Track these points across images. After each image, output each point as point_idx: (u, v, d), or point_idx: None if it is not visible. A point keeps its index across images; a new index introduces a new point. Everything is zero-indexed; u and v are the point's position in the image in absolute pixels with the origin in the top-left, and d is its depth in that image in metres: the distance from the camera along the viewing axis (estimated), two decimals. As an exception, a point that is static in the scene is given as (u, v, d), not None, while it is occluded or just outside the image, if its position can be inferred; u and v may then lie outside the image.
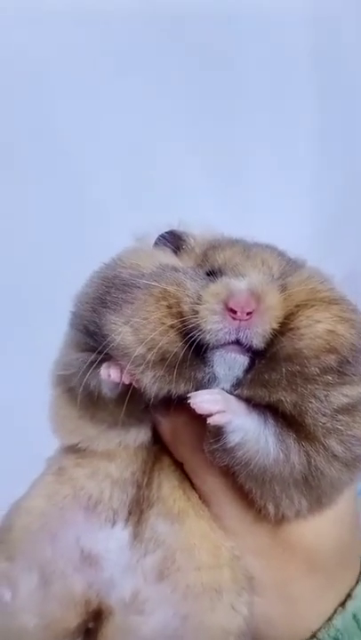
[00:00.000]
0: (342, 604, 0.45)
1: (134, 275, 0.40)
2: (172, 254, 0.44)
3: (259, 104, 1.17)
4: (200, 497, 0.43)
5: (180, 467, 0.44)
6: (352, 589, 0.45)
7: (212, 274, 0.40)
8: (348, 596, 0.45)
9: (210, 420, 0.36)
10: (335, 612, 0.44)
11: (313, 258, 1.43)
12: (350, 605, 0.44)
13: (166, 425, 0.43)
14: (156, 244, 0.45)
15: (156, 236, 0.46)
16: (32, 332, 0.83)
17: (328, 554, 0.44)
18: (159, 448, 0.44)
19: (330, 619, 0.44)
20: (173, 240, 0.44)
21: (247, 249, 0.42)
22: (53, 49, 0.86)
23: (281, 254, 0.43)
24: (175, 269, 0.40)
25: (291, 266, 0.43)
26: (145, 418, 0.42)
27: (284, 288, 0.38)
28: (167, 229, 0.46)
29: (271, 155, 1.23)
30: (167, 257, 0.43)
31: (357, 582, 0.46)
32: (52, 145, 0.88)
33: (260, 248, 0.43)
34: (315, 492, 0.40)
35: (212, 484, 0.42)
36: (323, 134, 1.28)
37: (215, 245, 0.43)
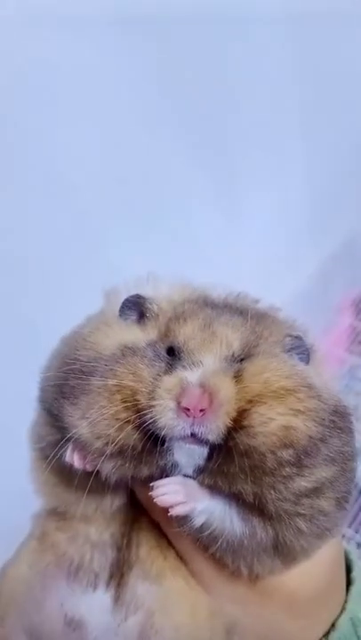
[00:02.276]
0: (326, 635, 0.45)
1: (93, 358, 0.38)
2: (136, 324, 0.42)
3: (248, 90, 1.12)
4: (177, 555, 0.43)
5: (157, 526, 0.44)
6: (336, 620, 0.45)
7: (172, 351, 0.38)
8: (332, 626, 0.45)
9: (172, 512, 0.36)
10: None
11: (310, 229, 1.37)
12: (333, 636, 0.44)
13: (140, 491, 0.42)
14: (121, 308, 0.43)
15: (124, 293, 0.44)
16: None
17: (308, 599, 0.44)
18: (137, 509, 0.44)
19: None
20: (138, 306, 0.42)
21: (208, 324, 0.39)
22: (53, 55, 0.82)
23: (246, 321, 0.40)
24: (134, 352, 0.38)
25: (256, 334, 0.40)
26: (119, 486, 0.41)
27: (239, 376, 0.36)
28: (134, 291, 0.43)
29: (263, 133, 1.20)
30: (129, 331, 0.41)
31: (341, 612, 0.45)
32: (44, 154, 0.85)
33: (225, 319, 0.40)
34: (287, 556, 0.39)
35: (186, 547, 0.42)
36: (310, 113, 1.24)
37: (178, 315, 0.40)
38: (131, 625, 0.41)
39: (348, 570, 0.48)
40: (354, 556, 0.49)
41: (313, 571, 0.43)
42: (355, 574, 0.48)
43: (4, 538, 0.47)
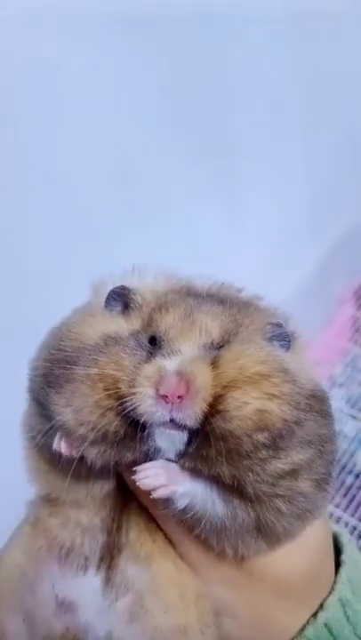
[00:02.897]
0: (314, 615, 0.45)
1: (76, 348, 0.40)
2: (120, 315, 0.43)
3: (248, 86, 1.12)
4: (165, 538, 0.44)
5: (145, 510, 0.44)
6: (324, 600, 0.46)
7: (154, 341, 0.39)
8: (321, 606, 0.46)
9: (154, 495, 0.37)
10: (308, 622, 0.45)
11: (310, 222, 1.37)
12: (321, 616, 0.45)
13: (127, 475, 0.43)
14: (107, 299, 0.44)
15: (110, 285, 0.45)
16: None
17: (296, 579, 0.44)
18: (126, 494, 0.45)
19: (302, 629, 0.45)
20: (123, 297, 0.43)
21: (189, 313, 0.40)
22: (53, 54, 0.83)
23: (226, 310, 0.41)
24: (116, 342, 0.39)
25: (236, 322, 0.41)
26: (106, 471, 0.42)
27: (216, 363, 0.37)
28: (120, 282, 0.44)
29: (263, 128, 1.19)
30: (113, 322, 0.42)
31: (329, 593, 0.46)
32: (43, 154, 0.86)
33: (206, 307, 0.41)
34: (270, 536, 0.40)
35: (173, 529, 0.43)
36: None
37: (160, 306, 0.41)
38: (121, 606, 0.42)
39: (338, 552, 0.49)
40: (345, 538, 0.50)
41: (299, 552, 0.44)
42: (344, 557, 0.48)
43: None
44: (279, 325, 0.42)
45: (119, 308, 0.43)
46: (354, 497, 1.29)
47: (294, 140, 1.32)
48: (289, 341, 0.42)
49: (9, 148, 0.85)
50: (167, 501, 0.38)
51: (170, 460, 0.38)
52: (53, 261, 0.89)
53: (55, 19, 0.82)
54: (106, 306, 0.44)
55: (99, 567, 0.44)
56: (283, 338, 0.42)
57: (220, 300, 0.43)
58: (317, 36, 1.26)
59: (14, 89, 0.81)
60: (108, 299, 0.44)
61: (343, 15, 1.33)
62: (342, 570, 0.47)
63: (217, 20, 1.02)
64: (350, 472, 1.33)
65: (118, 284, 0.44)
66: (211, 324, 0.40)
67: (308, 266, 1.41)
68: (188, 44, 1.01)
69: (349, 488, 1.31)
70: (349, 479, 1.32)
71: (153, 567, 0.43)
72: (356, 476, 1.33)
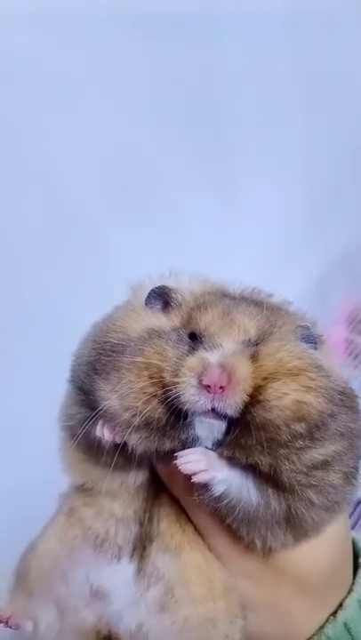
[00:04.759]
0: (334, 614, 0.46)
1: (122, 339, 0.41)
2: (161, 312, 0.44)
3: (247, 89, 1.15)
4: (195, 529, 0.45)
5: (176, 502, 0.45)
6: (343, 600, 0.46)
7: (194, 337, 0.41)
8: (340, 606, 0.46)
9: (194, 479, 0.37)
10: (327, 620, 0.46)
11: (306, 241, 1.38)
12: (341, 615, 0.45)
13: (162, 467, 0.44)
14: (148, 297, 0.45)
15: (149, 286, 0.46)
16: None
17: (318, 576, 0.45)
18: (158, 486, 0.45)
19: (322, 627, 0.45)
20: (163, 296, 0.45)
21: (227, 312, 0.41)
22: (50, 54, 0.84)
23: (261, 311, 0.43)
24: (160, 335, 0.41)
25: (271, 323, 0.42)
26: (142, 461, 0.43)
27: (255, 357, 0.39)
28: (158, 284, 0.46)
29: (263, 138, 1.21)
30: (155, 317, 0.43)
31: (349, 593, 0.47)
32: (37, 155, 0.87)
33: (242, 308, 0.42)
34: (299, 528, 0.41)
35: (204, 519, 0.44)
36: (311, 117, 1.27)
37: (199, 305, 0.43)
38: (152, 595, 0.43)
39: (356, 557, 0.49)
40: None
41: (322, 549, 0.44)
42: None
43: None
44: (308, 328, 0.44)
45: (159, 306, 0.45)
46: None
47: (293, 152, 1.34)
48: (316, 343, 0.44)
49: (3, 148, 0.85)
50: (204, 488, 0.39)
51: (208, 449, 0.39)
52: (52, 264, 0.90)
53: (53, 20, 0.83)
54: (146, 303, 0.45)
55: (132, 556, 0.44)
56: (311, 340, 0.44)
57: (255, 302, 0.44)
58: (318, 33, 1.29)
59: (7, 89, 0.82)
60: (148, 297, 0.45)
61: (342, 15, 1.36)
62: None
63: (216, 17, 1.04)
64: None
65: (157, 285, 0.46)
66: (248, 322, 0.41)
67: (302, 285, 1.43)
68: (186, 41, 1.02)
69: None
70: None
71: (183, 558, 0.44)
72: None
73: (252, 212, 1.26)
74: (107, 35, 0.90)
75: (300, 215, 1.42)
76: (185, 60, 1.05)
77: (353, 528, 1.23)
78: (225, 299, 0.44)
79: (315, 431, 0.37)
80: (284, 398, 0.37)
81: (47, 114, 0.87)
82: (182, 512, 0.45)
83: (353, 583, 0.47)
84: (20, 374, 0.85)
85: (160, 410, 0.38)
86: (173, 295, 0.44)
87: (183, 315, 0.43)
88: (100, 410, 0.39)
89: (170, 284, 0.46)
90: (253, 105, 1.20)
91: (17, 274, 0.89)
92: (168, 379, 0.38)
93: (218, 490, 0.39)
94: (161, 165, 1.05)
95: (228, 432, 0.38)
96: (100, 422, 0.41)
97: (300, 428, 0.37)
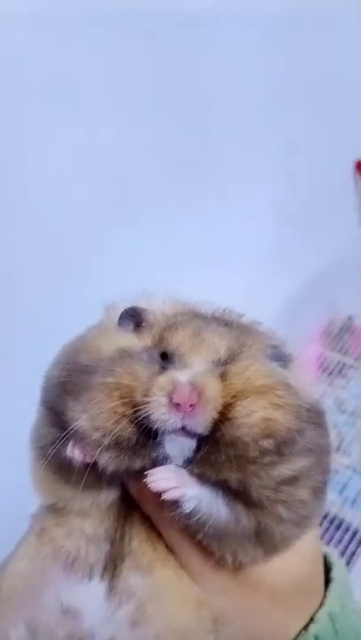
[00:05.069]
0: (305, 627, 0.46)
1: (94, 360, 0.42)
2: (133, 332, 0.45)
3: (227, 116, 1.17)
4: (166, 547, 0.45)
5: (148, 520, 0.45)
6: (315, 613, 0.47)
7: (166, 356, 0.42)
8: (311, 619, 0.47)
9: (165, 496, 0.38)
10: (299, 634, 0.46)
11: (279, 260, 1.39)
12: (313, 628, 0.46)
13: (133, 486, 0.45)
14: (120, 318, 0.46)
15: (122, 307, 0.47)
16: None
17: (290, 589, 0.45)
18: (130, 504, 0.46)
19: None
20: (135, 316, 0.46)
21: (198, 332, 0.42)
22: (45, 56, 0.84)
23: (231, 331, 0.44)
24: (131, 355, 0.41)
25: (240, 342, 0.43)
26: (114, 480, 0.44)
27: (224, 376, 0.40)
28: (131, 304, 0.47)
29: (239, 158, 1.23)
30: (126, 338, 0.44)
31: (320, 606, 0.47)
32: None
33: (212, 328, 0.43)
34: (269, 543, 0.42)
35: (175, 536, 0.44)
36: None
37: (171, 325, 0.44)
38: (123, 613, 0.43)
39: (328, 571, 0.50)
40: (334, 558, 0.52)
41: (294, 562, 0.45)
42: (334, 574, 0.50)
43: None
44: (277, 347, 0.45)
45: (131, 327, 0.46)
46: (322, 538, 1.29)
47: (268, 178, 1.37)
48: (286, 361, 0.45)
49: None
50: (175, 505, 0.39)
51: (178, 467, 0.39)
52: (40, 273, 0.90)
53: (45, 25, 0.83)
54: (119, 324, 0.46)
55: (103, 575, 0.44)
56: (280, 358, 0.45)
57: (225, 322, 0.46)
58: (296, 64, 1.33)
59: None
60: (121, 317, 0.46)
61: (328, 25, 1.41)
62: (332, 586, 0.48)
63: (197, 24, 1.06)
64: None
65: (129, 305, 0.47)
66: (218, 342, 0.42)
67: (277, 304, 1.45)
68: (180, 46, 1.04)
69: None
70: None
71: (154, 575, 0.44)
72: (324, 517, 1.32)
73: (228, 233, 1.27)
74: (89, 37, 0.90)
75: (274, 236, 1.44)
76: (177, 66, 1.07)
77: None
78: (196, 319, 0.45)
79: (283, 447, 0.38)
80: (253, 416, 0.38)
81: (39, 120, 0.87)
82: (154, 530, 0.45)
83: (324, 597, 0.48)
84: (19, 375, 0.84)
85: (130, 429, 0.38)
86: (145, 316, 0.45)
87: (155, 335, 0.44)
88: (71, 430, 0.40)
89: (142, 304, 0.47)
90: (236, 129, 1.23)
91: (9, 280, 0.89)
92: (139, 398, 0.39)
93: (188, 507, 0.39)
94: (134, 187, 1.07)
95: (198, 450, 0.39)
96: (71, 442, 0.41)
97: (268, 444, 0.38)
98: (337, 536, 1.30)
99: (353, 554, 1.26)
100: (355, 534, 1.30)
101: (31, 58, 0.84)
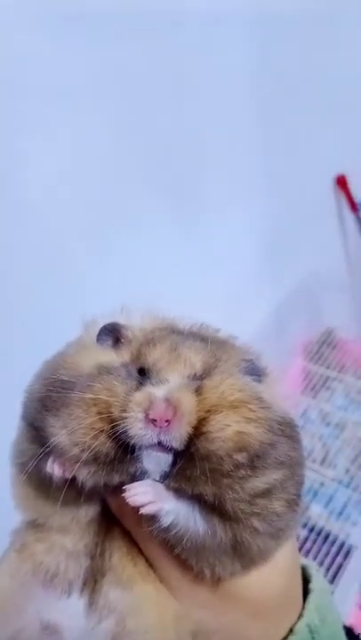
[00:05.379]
0: (285, 639, 0.47)
1: (73, 375, 0.42)
2: (111, 348, 0.46)
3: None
4: (146, 562, 0.45)
5: (128, 535, 0.46)
6: (293, 625, 0.47)
7: (143, 372, 0.43)
8: (290, 631, 0.47)
9: (142, 511, 0.38)
10: None
11: (263, 274, 1.40)
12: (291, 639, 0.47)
13: (112, 500, 0.45)
14: (99, 334, 0.47)
15: (101, 323, 0.48)
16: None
17: (268, 602, 0.46)
18: (109, 520, 0.46)
19: None
20: (114, 332, 0.47)
21: (174, 347, 0.43)
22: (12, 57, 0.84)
23: (207, 346, 0.45)
24: (109, 371, 0.42)
25: (216, 357, 0.44)
26: (93, 495, 0.44)
27: (199, 391, 0.41)
28: (110, 320, 0.48)
29: (224, 173, 1.25)
30: (105, 354, 0.45)
31: (299, 618, 0.48)
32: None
33: (189, 343, 0.44)
34: (246, 556, 0.42)
35: (154, 551, 0.44)
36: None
37: (148, 341, 0.45)
38: (104, 628, 0.43)
39: (306, 582, 0.51)
40: (313, 570, 0.52)
41: (272, 575, 0.45)
42: (312, 586, 0.50)
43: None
44: (252, 361, 0.46)
45: (110, 343, 0.46)
46: (309, 550, 1.30)
47: (252, 193, 1.39)
48: (260, 375, 0.46)
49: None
50: (153, 519, 0.40)
51: (156, 481, 0.40)
52: (45, 278, 0.91)
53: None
54: (98, 340, 0.47)
55: (82, 591, 0.44)
56: (255, 372, 0.46)
57: (201, 337, 0.46)
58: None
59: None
60: (100, 333, 0.47)
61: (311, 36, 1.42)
62: (310, 597, 0.49)
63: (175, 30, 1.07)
64: (304, 525, 1.35)
65: (108, 321, 0.48)
66: (194, 357, 0.43)
67: (261, 318, 1.46)
68: (157, 61, 1.05)
69: (304, 541, 1.32)
70: (303, 532, 1.34)
71: (134, 590, 0.44)
72: (311, 530, 1.34)
73: (212, 246, 1.29)
74: (68, 41, 0.90)
75: (258, 250, 1.46)
76: (176, 68, 1.08)
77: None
78: (173, 334, 0.46)
79: (256, 460, 0.39)
80: (226, 430, 0.39)
81: (36, 123, 0.88)
82: (134, 545, 0.46)
83: (303, 608, 0.48)
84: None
85: (108, 444, 0.39)
86: (124, 331, 0.46)
87: (133, 350, 0.45)
88: (49, 445, 0.40)
89: (121, 320, 0.48)
90: (219, 147, 1.25)
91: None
92: (116, 414, 0.39)
93: (166, 521, 0.40)
94: (124, 199, 1.08)
95: (174, 464, 0.40)
96: (51, 458, 0.42)
97: (241, 457, 0.39)
98: (324, 549, 1.31)
99: (340, 566, 1.26)
100: (341, 546, 1.30)
101: (31, 58, 0.85)
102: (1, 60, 0.83)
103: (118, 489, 0.40)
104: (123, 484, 0.40)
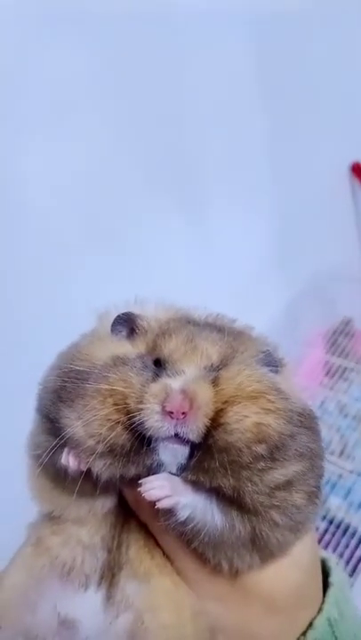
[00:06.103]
0: (304, 634, 0.46)
1: (87, 367, 0.42)
2: (126, 339, 0.45)
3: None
4: (163, 555, 0.45)
5: (145, 527, 0.45)
6: (313, 619, 0.46)
7: (159, 363, 0.42)
8: (310, 625, 0.46)
9: (158, 505, 0.38)
10: None
11: (278, 266, 1.40)
12: (311, 635, 0.45)
13: (128, 493, 0.44)
14: (113, 324, 0.46)
15: (115, 314, 0.47)
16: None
17: (286, 596, 0.45)
18: (126, 512, 0.46)
19: None
20: (128, 322, 0.46)
21: (191, 338, 0.43)
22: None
23: (223, 337, 0.44)
24: (124, 362, 0.41)
25: (233, 348, 0.43)
26: (109, 487, 0.44)
27: (216, 382, 0.40)
28: (124, 310, 0.47)
29: (233, 168, 1.24)
30: (120, 345, 0.44)
31: (319, 612, 0.47)
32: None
33: (205, 334, 0.43)
34: (264, 549, 0.41)
35: (172, 544, 0.44)
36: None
37: (164, 332, 0.44)
38: (121, 623, 0.42)
39: (326, 576, 0.50)
40: (332, 562, 0.51)
41: (290, 569, 0.44)
42: (332, 579, 0.49)
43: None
44: (269, 352, 0.45)
45: (124, 333, 0.46)
46: (328, 543, 1.28)
47: (263, 178, 1.37)
48: (277, 367, 0.45)
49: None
50: (169, 513, 0.39)
51: (172, 474, 0.39)
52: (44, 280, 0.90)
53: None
54: (112, 331, 0.46)
55: (99, 584, 0.44)
56: (272, 363, 0.45)
57: (218, 328, 0.45)
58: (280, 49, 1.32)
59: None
60: (114, 324, 0.46)
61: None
62: (330, 591, 0.48)
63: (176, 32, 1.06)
64: (323, 518, 1.32)
65: (122, 312, 0.47)
66: (210, 348, 0.42)
67: (275, 310, 1.45)
68: (155, 66, 1.04)
69: (323, 533, 1.30)
70: (322, 525, 1.31)
71: (152, 583, 0.44)
72: (330, 522, 1.32)
73: (225, 239, 1.28)
74: (67, 43, 0.89)
75: (272, 241, 1.44)
76: (175, 70, 1.07)
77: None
78: (189, 325, 0.45)
79: (275, 452, 0.38)
80: (245, 421, 0.38)
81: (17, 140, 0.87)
82: (151, 537, 0.45)
83: (323, 602, 0.47)
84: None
85: (124, 436, 0.38)
86: (139, 322, 0.45)
87: (148, 341, 0.44)
88: (64, 437, 0.40)
89: (135, 310, 0.47)
90: (224, 139, 1.22)
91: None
92: (132, 405, 0.39)
93: (183, 514, 0.39)
94: (133, 195, 1.07)
95: (191, 456, 0.39)
96: (66, 450, 0.41)
97: (260, 449, 0.38)
98: (343, 541, 1.29)
99: (359, 559, 1.25)
100: (361, 539, 1.29)
101: (31, 58, 0.85)
102: (1, 60, 0.83)
103: (134, 481, 0.40)
104: (139, 476, 0.39)
